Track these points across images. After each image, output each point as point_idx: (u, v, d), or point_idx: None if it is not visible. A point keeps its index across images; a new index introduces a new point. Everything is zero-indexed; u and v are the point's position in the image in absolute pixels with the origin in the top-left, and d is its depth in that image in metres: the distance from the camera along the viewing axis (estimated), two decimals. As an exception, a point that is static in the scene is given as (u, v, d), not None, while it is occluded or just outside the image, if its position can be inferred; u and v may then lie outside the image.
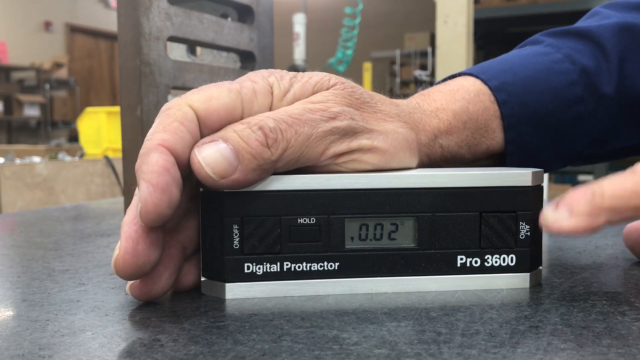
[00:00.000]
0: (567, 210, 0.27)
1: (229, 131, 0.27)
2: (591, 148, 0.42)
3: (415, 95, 0.39)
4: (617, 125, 0.42)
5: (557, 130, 0.40)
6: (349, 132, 0.29)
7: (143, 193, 0.25)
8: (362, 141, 0.30)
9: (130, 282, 0.28)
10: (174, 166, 0.26)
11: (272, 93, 0.30)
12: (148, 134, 0.27)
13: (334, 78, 0.31)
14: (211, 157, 0.26)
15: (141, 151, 0.26)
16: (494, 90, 0.39)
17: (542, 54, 0.42)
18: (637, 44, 0.42)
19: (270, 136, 0.27)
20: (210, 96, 0.28)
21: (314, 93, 0.30)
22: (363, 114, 0.31)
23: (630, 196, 0.27)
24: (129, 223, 0.27)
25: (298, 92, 0.30)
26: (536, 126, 0.40)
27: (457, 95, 0.38)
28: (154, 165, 0.25)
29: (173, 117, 0.27)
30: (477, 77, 0.40)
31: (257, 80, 0.30)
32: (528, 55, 0.42)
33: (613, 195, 0.27)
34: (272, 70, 0.31)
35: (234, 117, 0.28)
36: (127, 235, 0.26)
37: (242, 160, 0.27)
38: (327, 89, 0.30)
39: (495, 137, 0.39)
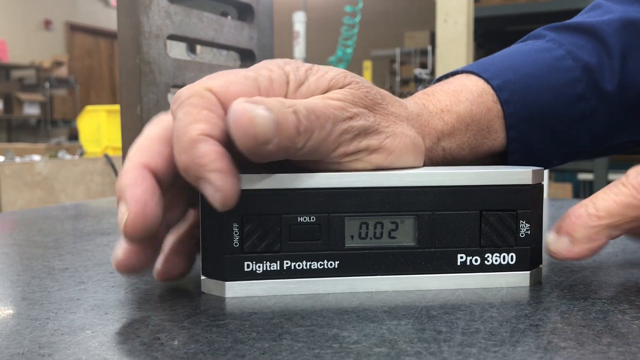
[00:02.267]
0: (567, 239, 0.28)
1: (269, 103, 0.26)
2: (592, 145, 0.42)
3: (419, 95, 0.38)
4: (618, 122, 0.42)
5: (558, 128, 0.40)
6: (361, 133, 0.29)
7: (217, 182, 0.25)
8: (371, 142, 0.30)
9: (117, 258, 0.28)
10: (224, 149, 0.26)
11: (288, 83, 0.29)
12: (178, 127, 0.26)
13: (349, 76, 0.31)
14: (263, 117, 0.25)
15: (183, 146, 0.25)
16: (496, 89, 0.39)
17: (544, 50, 0.41)
18: (639, 40, 0.42)
19: (303, 123, 0.26)
20: (229, 81, 0.27)
21: (329, 89, 0.30)
22: (375, 115, 0.30)
23: (625, 210, 0.27)
24: (132, 186, 0.26)
25: (313, 86, 0.29)
26: (538, 124, 0.40)
27: (460, 97, 0.38)
28: (212, 154, 0.25)
29: (200, 106, 0.26)
30: (479, 75, 0.40)
31: (273, 69, 0.29)
32: (530, 51, 0.42)
33: (609, 213, 0.28)
34: (287, 59, 0.30)
35: None
36: (135, 198, 0.26)
37: (279, 135, 0.26)
38: (342, 86, 0.30)
39: (497, 138, 0.39)
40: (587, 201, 0.29)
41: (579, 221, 0.28)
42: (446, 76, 0.42)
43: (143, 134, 0.29)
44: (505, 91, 0.39)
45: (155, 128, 0.29)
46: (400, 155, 0.31)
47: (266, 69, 0.29)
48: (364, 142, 0.29)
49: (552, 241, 0.29)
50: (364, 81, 0.31)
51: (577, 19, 0.45)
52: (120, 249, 0.28)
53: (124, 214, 0.26)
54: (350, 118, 0.29)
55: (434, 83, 0.42)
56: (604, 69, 0.41)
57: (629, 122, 0.42)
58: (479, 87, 0.39)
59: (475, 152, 0.39)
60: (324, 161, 0.29)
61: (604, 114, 0.41)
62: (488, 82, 0.39)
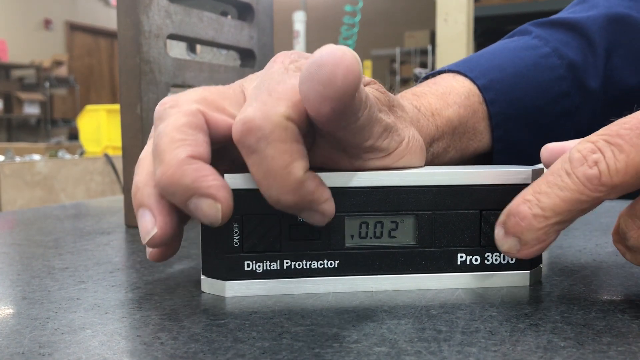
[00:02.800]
0: (516, 240, 0.27)
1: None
2: None
3: (409, 96, 0.38)
4: (601, 119, 0.42)
5: (543, 125, 0.40)
6: (386, 130, 0.28)
7: (328, 211, 0.26)
8: (391, 143, 0.29)
9: (152, 233, 0.27)
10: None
11: None
12: (274, 167, 0.24)
13: (367, 77, 0.30)
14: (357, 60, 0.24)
15: (288, 187, 0.25)
16: (482, 89, 0.39)
17: (530, 48, 0.41)
18: (623, 36, 0.42)
19: (363, 94, 0.25)
20: (297, 101, 0.25)
21: None
22: (393, 116, 0.30)
23: (573, 206, 0.25)
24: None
25: None
26: (523, 123, 0.40)
27: (449, 99, 0.38)
28: (319, 188, 0.26)
29: (290, 140, 0.24)
30: (465, 75, 0.40)
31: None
32: (516, 48, 0.42)
33: (555, 212, 0.25)
34: (304, 54, 0.29)
35: None
36: (225, 199, 0.25)
37: (360, 92, 0.25)
38: (365, 85, 0.29)
39: (483, 139, 0.39)
40: (530, 195, 0.26)
41: (524, 223, 0.26)
42: (433, 74, 0.42)
43: (168, 124, 0.26)
44: (491, 91, 0.39)
45: (179, 117, 0.26)
46: (410, 159, 0.30)
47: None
48: (386, 142, 0.29)
49: (501, 241, 0.27)
50: (379, 83, 0.31)
51: (563, 14, 0.45)
52: (152, 225, 0.26)
53: (213, 207, 0.25)
54: (381, 112, 0.28)
55: (420, 82, 0.41)
56: (589, 66, 0.41)
57: (613, 118, 0.42)
58: (465, 88, 0.39)
59: (461, 154, 0.39)
60: (348, 152, 0.28)
61: (588, 110, 0.41)
62: (474, 82, 0.39)
